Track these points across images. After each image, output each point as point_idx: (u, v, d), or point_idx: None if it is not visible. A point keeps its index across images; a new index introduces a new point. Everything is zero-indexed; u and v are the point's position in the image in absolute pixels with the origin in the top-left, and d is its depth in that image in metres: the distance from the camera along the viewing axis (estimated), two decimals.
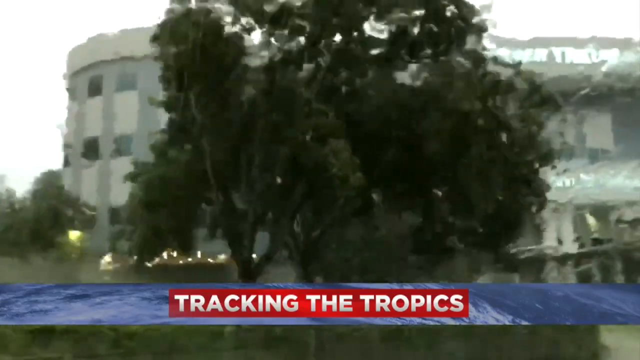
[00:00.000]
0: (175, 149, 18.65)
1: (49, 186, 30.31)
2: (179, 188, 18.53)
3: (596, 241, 35.37)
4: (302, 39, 17.35)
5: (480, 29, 18.14)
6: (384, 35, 18.57)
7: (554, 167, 18.48)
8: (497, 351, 13.27)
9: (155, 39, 15.82)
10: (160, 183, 18.80)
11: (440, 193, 20.97)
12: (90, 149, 33.72)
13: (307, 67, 18.05)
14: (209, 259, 28.67)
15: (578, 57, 39.91)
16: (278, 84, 16.41)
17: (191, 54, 14.37)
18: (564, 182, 33.87)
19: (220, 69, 15.16)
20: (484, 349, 13.14)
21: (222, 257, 28.42)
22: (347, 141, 15.54)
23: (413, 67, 19.21)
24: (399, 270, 29.10)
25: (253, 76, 16.87)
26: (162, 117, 19.85)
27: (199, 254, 28.95)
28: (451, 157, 16.85)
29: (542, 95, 17.34)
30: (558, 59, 38.95)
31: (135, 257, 22.77)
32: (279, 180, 17.14)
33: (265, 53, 17.17)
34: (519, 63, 18.03)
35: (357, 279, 31.19)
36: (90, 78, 34.60)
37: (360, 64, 17.89)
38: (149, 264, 23.66)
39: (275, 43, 17.11)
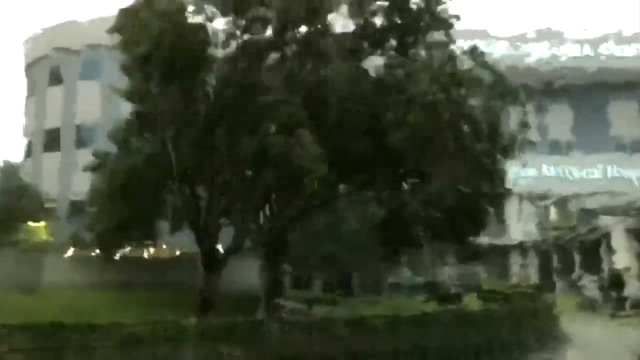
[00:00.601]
0: (138, 140, 18.35)
1: (8, 178, 29.53)
2: (142, 179, 18.26)
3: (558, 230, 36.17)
4: (267, 30, 17.25)
5: (446, 21, 18.30)
6: (349, 26, 18.62)
7: (516, 159, 18.75)
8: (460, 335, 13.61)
9: (116, 27, 15.48)
10: (123, 174, 18.50)
11: (405, 184, 21.17)
12: (52, 140, 32.89)
13: (273, 57, 17.95)
14: (174, 251, 28.34)
15: None
16: (243, 74, 16.25)
17: (153, 44, 14.09)
18: (526, 172, 34.54)
19: (184, 58, 14.90)
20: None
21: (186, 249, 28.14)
22: (312, 132, 15.50)
23: (379, 58, 19.30)
24: (365, 260, 29.35)
25: (218, 66, 16.67)
26: (126, 107, 19.51)
27: (164, 246, 28.64)
28: (416, 149, 16.96)
29: (504, 87, 17.58)
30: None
31: (97, 250, 22.44)
32: (244, 171, 17.01)
33: (230, 43, 17.00)
34: (482, 55, 18.22)
35: (323, 270, 31.43)
36: (51, 67, 33.70)
37: (326, 54, 17.86)
38: (114, 257, 23.35)
39: (240, 33, 16.95)
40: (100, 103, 29.84)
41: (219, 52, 16.95)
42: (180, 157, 16.13)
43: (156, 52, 14.19)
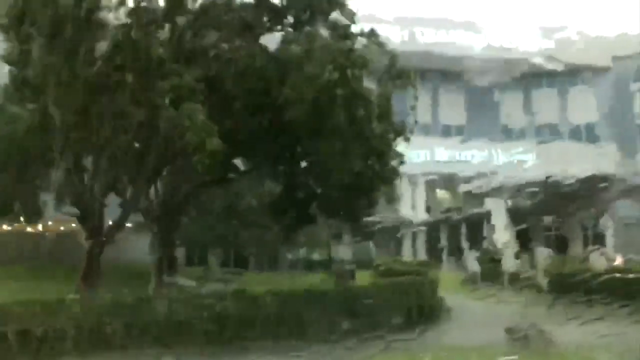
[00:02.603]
0: (17, 106, 17.14)
1: None
2: (23, 150, 17.15)
3: (447, 210, 38.13)
4: None
5: (343, 1, 18.48)
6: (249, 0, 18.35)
7: (407, 140, 19.42)
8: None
9: None
10: (1, 144, 17.29)
11: (302, 162, 21.34)
12: None
13: (167, 27, 17.34)
14: (60, 226, 27.01)
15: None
16: (135, 42, 15.56)
17: (33, 3, 13.12)
18: (418, 154, 36.00)
19: (68, 21, 14.01)
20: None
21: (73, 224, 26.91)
22: (206, 106, 15.18)
23: (277, 35, 19.21)
24: (262, 237, 29.47)
25: (108, 33, 15.87)
26: (4, 71, 18.16)
27: (49, 222, 27.27)
28: (311, 127, 17.11)
29: (397, 70, 18.08)
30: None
31: None
32: (133, 142, 16.41)
33: (121, 9, 16.22)
34: (378, 37, 18.62)
35: (219, 246, 31.23)
36: None
37: (223, 28, 17.53)
38: None
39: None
40: None
41: (111, 18, 16.12)
42: (63, 126, 15.25)
43: (35, 12, 13.23)
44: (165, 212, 19.05)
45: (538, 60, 43.77)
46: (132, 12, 15.57)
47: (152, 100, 14.60)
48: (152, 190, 19.52)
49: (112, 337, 11.92)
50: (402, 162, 20.13)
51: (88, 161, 16.99)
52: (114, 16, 15.83)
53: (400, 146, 19.96)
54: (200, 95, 14.77)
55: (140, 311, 12.58)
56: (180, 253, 26.61)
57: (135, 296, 12.99)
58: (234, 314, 12.55)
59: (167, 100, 14.24)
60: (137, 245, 22.74)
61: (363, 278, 23.59)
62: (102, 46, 15.78)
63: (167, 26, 17.01)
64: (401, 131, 18.78)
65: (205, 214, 26.80)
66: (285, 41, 18.00)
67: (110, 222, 18.50)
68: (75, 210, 17.32)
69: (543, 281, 22.85)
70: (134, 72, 14.84)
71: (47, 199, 21.58)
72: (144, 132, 15.56)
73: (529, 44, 44.14)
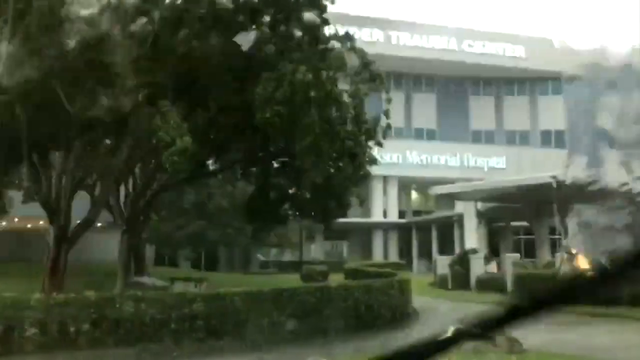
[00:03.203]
0: None
1: None
2: None
3: (416, 213, 38.43)
4: None
5: (319, 2, 18.49)
6: None
7: (378, 143, 19.53)
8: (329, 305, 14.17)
9: None
10: None
11: (274, 162, 21.31)
12: None
13: (141, 23, 17.10)
14: (26, 224, 26.46)
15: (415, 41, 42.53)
16: (106, 38, 15.30)
17: None
18: (391, 157, 36.21)
19: (37, 13, 13.74)
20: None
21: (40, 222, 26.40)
22: (178, 104, 15.05)
23: (251, 34, 19.09)
24: (233, 238, 29.32)
25: (78, 27, 15.57)
26: None
27: (15, 219, 26.72)
28: (284, 127, 17.08)
29: (371, 73, 18.17)
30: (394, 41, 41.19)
31: None
32: (103, 140, 16.15)
33: (93, 3, 15.93)
34: (353, 39, 18.70)
35: (190, 246, 30.96)
36: None
37: (198, 25, 17.36)
38: None
39: None
40: None
41: (82, 12, 15.82)
42: (30, 123, 14.93)
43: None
44: (135, 211, 18.79)
45: (509, 67, 44.46)
46: (104, 7, 15.31)
47: (123, 97, 14.39)
48: (121, 189, 19.25)
49: (77, 336, 11.72)
50: (374, 164, 20.27)
51: (56, 158, 16.66)
52: (85, 10, 15.55)
53: (373, 148, 20.09)
54: (172, 93, 14.61)
55: (104, 310, 12.37)
56: (150, 253, 26.33)
57: (100, 296, 12.75)
58: (205, 315, 12.45)
59: (139, 98, 14.04)
60: (105, 245, 22.40)
61: (335, 279, 23.64)
62: (71, 41, 15.47)
63: (138, 21, 16.80)
64: (373, 134, 18.87)
65: (175, 214, 26.57)
66: (259, 40, 17.93)
67: (79, 221, 18.22)
68: (41, 208, 16.97)
69: (510, 285, 23.22)
70: (104, 68, 14.59)
71: (14, 195, 21.17)
72: (114, 130, 15.31)
73: (502, 50, 44.80)
